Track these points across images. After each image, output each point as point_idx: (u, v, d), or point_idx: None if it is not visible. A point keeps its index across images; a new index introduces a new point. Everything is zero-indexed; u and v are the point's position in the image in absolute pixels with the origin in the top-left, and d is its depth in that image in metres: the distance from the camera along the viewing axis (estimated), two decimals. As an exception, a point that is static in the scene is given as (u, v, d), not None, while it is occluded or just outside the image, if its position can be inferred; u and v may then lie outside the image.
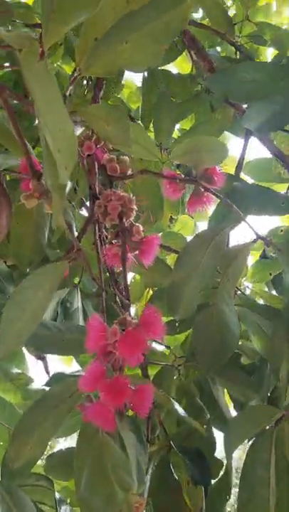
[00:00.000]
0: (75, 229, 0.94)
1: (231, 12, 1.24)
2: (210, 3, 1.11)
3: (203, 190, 0.54)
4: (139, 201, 0.56)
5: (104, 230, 0.63)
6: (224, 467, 0.68)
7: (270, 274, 1.00)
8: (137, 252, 0.56)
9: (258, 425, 0.52)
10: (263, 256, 0.98)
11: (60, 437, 1.01)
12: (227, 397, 0.90)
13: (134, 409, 0.49)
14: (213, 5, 1.11)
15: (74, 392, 0.63)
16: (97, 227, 0.62)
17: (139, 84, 1.29)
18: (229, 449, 0.52)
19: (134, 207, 0.56)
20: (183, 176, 0.54)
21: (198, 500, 0.58)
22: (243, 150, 0.98)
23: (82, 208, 0.99)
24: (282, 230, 0.96)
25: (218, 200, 0.57)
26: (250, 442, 0.57)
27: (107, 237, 0.59)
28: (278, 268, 0.99)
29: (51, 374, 1.01)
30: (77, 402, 0.65)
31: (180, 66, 1.59)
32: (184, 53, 1.51)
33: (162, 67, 1.31)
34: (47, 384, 0.95)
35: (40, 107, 0.29)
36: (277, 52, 1.18)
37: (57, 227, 0.41)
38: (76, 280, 1.01)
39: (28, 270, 0.72)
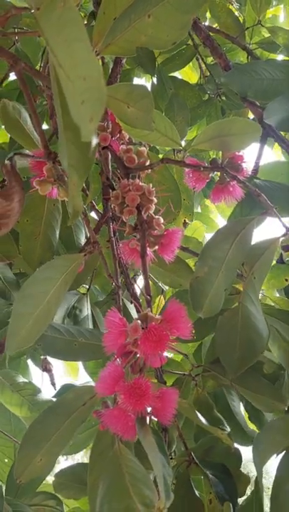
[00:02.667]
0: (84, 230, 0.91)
1: (241, 17, 1.22)
2: (220, 9, 1.10)
3: (228, 179, 0.50)
4: (159, 193, 0.52)
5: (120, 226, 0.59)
6: (253, 483, 0.62)
7: (286, 280, 0.96)
8: (156, 247, 0.52)
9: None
10: (280, 261, 0.93)
11: (67, 454, 0.96)
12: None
13: (157, 416, 0.45)
14: (223, 10, 1.10)
15: (87, 400, 0.58)
16: (112, 223, 0.59)
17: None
18: (259, 464, 0.47)
19: (154, 199, 0.52)
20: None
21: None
22: (258, 154, 0.95)
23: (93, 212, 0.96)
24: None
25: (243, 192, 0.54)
26: (279, 456, 0.52)
27: (124, 232, 0.56)
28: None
29: (59, 386, 0.96)
30: (91, 412, 0.60)
31: (188, 77, 1.58)
32: (190, 64, 1.51)
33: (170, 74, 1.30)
34: (55, 395, 0.90)
35: (56, 49, 0.25)
36: (288, 58, 1.17)
37: (74, 211, 0.37)
38: (82, 290, 0.97)
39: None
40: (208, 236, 1.37)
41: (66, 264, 0.45)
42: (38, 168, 0.52)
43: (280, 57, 1.27)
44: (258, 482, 0.51)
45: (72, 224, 0.61)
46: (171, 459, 0.70)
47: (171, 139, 0.50)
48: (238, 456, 0.64)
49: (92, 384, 0.94)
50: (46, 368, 1.00)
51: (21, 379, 0.85)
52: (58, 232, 0.68)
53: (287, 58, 1.20)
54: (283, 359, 0.76)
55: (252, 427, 0.85)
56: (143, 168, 0.54)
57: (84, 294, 0.93)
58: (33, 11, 0.33)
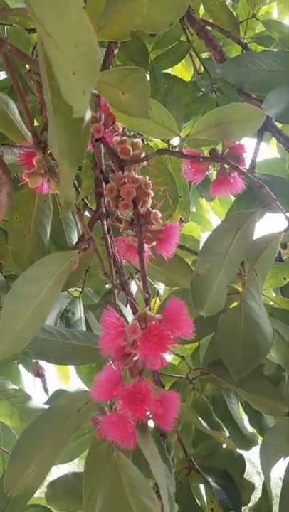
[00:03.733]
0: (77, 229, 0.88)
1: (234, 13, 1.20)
2: (213, 2, 1.07)
3: (229, 170, 0.48)
4: (156, 185, 0.49)
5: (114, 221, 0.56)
6: (261, 490, 0.59)
7: (285, 279, 0.93)
8: (154, 243, 0.49)
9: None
10: (278, 258, 0.90)
11: (59, 464, 0.92)
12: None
13: (158, 421, 0.42)
14: (216, 4, 1.08)
15: (82, 406, 0.55)
16: (106, 219, 0.56)
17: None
18: (267, 468, 0.44)
19: (151, 192, 0.49)
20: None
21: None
22: (255, 149, 0.93)
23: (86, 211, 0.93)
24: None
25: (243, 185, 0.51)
26: (287, 460, 0.50)
27: (119, 229, 0.53)
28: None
29: (51, 392, 0.92)
30: (86, 418, 0.57)
31: (181, 75, 1.56)
32: (184, 62, 1.48)
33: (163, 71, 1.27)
34: (47, 402, 0.87)
35: (44, 16, 0.22)
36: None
37: (65, 202, 0.34)
38: (74, 293, 0.94)
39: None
40: (204, 236, 1.35)
41: (59, 263, 0.42)
42: (26, 161, 0.49)
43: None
44: (266, 486, 0.48)
45: (64, 217, 0.58)
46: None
47: (169, 128, 0.47)
48: (241, 462, 0.61)
49: (86, 389, 0.90)
50: (38, 372, 0.96)
51: (11, 386, 0.81)
52: (48, 231, 0.65)
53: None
54: (283, 360, 0.73)
55: (252, 430, 0.82)
56: (138, 160, 0.52)
57: (76, 296, 0.89)
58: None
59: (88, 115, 0.22)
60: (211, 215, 1.53)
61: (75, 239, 0.90)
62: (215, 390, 0.78)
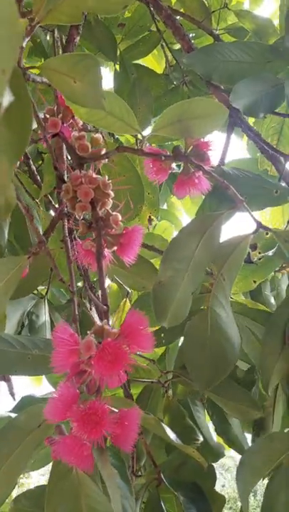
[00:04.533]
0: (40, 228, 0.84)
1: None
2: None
3: (193, 169, 0.44)
4: (116, 185, 0.46)
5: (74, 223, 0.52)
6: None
7: (255, 282, 0.90)
8: (115, 247, 0.46)
9: (275, 460, 0.42)
10: (248, 260, 0.86)
11: (30, 471, 0.89)
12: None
13: (117, 443, 0.39)
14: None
15: (43, 421, 0.52)
16: (66, 220, 0.52)
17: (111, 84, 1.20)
18: (244, 494, 0.42)
19: (111, 192, 0.46)
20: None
21: None
22: (225, 145, 0.90)
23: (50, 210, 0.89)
24: (267, 233, 0.87)
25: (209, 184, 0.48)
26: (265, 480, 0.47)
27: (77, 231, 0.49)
28: (264, 275, 0.89)
29: (19, 397, 0.88)
30: (48, 433, 0.54)
31: (153, 67, 1.51)
32: (156, 52, 1.44)
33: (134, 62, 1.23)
34: (14, 410, 0.83)
35: None
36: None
37: (6, 203, 0.31)
38: (43, 291, 0.90)
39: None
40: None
41: (7, 267, 0.38)
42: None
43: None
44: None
45: (3, 221, 0.54)
46: (140, 476, 0.65)
47: (128, 123, 0.43)
48: (211, 474, 0.59)
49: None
50: (4, 377, 0.92)
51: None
52: (6, 232, 0.60)
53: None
54: (256, 360, 0.71)
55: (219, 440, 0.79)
56: (97, 157, 0.48)
57: (42, 297, 0.85)
58: None
59: (7, 99, 0.19)
60: (182, 214, 1.50)
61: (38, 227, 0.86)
62: (186, 394, 0.75)
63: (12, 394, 0.92)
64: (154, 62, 1.54)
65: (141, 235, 0.45)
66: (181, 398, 0.76)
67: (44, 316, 0.78)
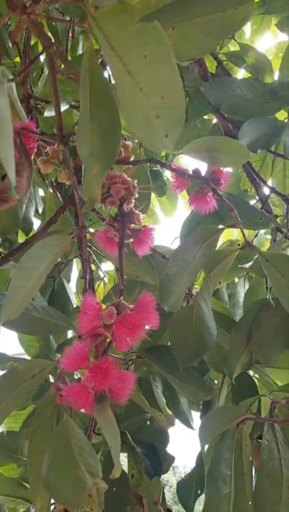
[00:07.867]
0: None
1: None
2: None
3: (207, 190, 0.55)
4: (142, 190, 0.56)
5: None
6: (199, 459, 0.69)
7: (220, 283, 1.03)
8: (131, 240, 0.56)
9: (226, 425, 0.54)
10: None
11: None
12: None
13: (115, 395, 0.49)
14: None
15: (37, 373, 0.61)
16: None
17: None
18: (203, 442, 0.54)
19: (136, 194, 0.55)
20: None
21: (153, 492, 0.58)
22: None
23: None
24: (239, 244, 1.00)
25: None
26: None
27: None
28: (229, 278, 1.03)
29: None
30: (37, 384, 0.63)
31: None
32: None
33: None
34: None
35: (130, 60, 0.27)
36: (249, 75, 1.24)
37: (90, 200, 0.40)
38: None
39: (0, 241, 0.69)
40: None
41: (58, 244, 0.47)
42: (27, 142, 0.53)
43: (242, 71, 1.34)
44: (202, 457, 0.57)
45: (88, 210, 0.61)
46: (99, 434, 0.75)
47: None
48: (165, 437, 0.70)
49: (26, 357, 0.95)
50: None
51: None
52: (24, 204, 0.68)
53: (248, 74, 1.27)
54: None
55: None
56: (128, 162, 0.57)
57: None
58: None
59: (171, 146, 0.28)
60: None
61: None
62: (147, 374, 0.86)
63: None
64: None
65: (154, 234, 0.55)
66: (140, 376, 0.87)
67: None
